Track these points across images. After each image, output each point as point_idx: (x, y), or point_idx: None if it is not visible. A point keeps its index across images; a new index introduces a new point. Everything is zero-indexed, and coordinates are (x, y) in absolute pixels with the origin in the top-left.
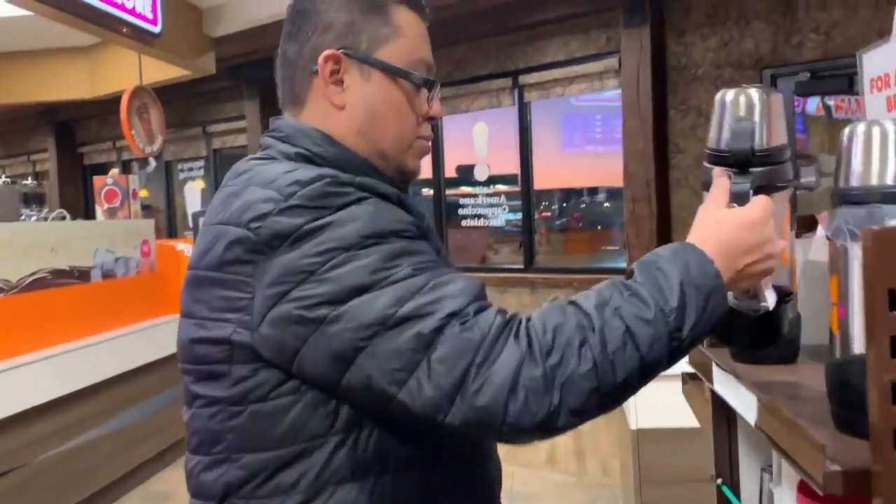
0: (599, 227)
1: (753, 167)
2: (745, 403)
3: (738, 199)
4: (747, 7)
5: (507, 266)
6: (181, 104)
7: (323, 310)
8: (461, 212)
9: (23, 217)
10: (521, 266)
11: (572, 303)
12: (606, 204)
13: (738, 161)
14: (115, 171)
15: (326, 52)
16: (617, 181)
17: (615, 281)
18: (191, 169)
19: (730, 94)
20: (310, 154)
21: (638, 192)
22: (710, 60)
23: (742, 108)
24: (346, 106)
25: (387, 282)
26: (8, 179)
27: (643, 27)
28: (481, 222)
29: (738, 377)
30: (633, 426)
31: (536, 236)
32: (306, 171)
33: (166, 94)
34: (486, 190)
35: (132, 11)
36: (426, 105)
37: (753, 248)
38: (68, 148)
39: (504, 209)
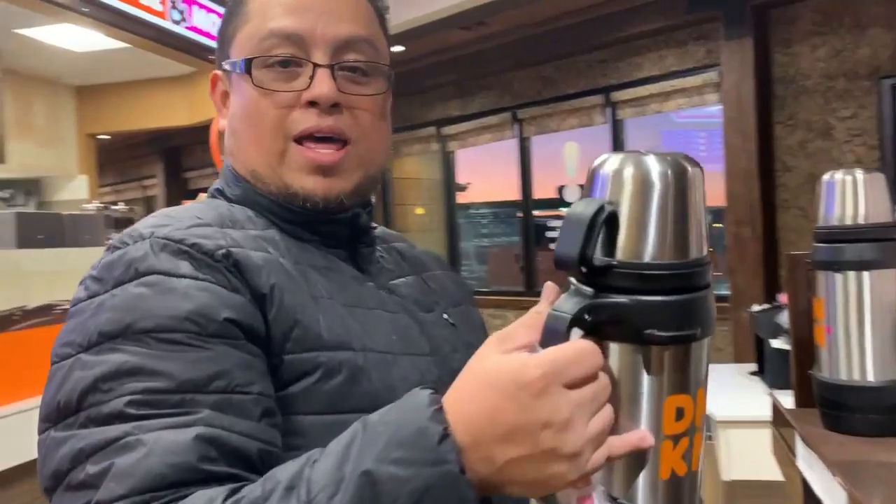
0: None
1: (602, 284)
2: (832, 495)
3: (550, 337)
4: (863, 12)
5: None
6: None
7: (41, 425)
8: (551, 234)
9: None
10: None
11: None
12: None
13: (580, 269)
14: (202, 195)
15: (212, 74)
16: (722, 202)
17: (311, 457)
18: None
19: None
20: (216, 191)
21: (741, 213)
22: (819, 71)
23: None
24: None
25: (87, 417)
26: (101, 204)
27: (745, 39)
28: None
29: (825, 458)
30: (725, 477)
31: None
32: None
33: None
34: None
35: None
36: (301, 88)
37: (515, 433)
38: (175, 173)
39: None
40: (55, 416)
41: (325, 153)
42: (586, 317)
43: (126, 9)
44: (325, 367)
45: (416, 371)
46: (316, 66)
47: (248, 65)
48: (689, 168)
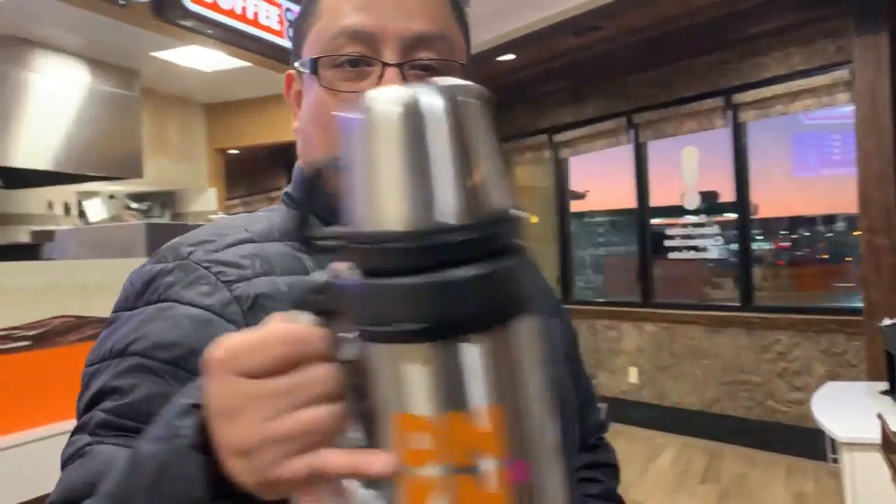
0: (832, 261)
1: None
2: None
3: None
4: None
5: (721, 304)
6: None
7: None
8: (669, 243)
9: None
10: (738, 304)
11: None
12: (837, 234)
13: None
14: None
15: (286, 74)
16: (855, 208)
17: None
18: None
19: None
20: (286, 195)
21: (875, 220)
22: None
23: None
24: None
25: (77, 425)
26: (225, 215)
27: (880, 34)
28: (693, 255)
29: None
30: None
31: (759, 270)
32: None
33: None
34: (695, 219)
35: None
36: (365, 89)
37: (208, 419)
38: None
39: (718, 240)
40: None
41: None
42: (321, 298)
43: (247, 29)
44: None
45: None
46: (385, 65)
47: (316, 64)
48: (432, 99)
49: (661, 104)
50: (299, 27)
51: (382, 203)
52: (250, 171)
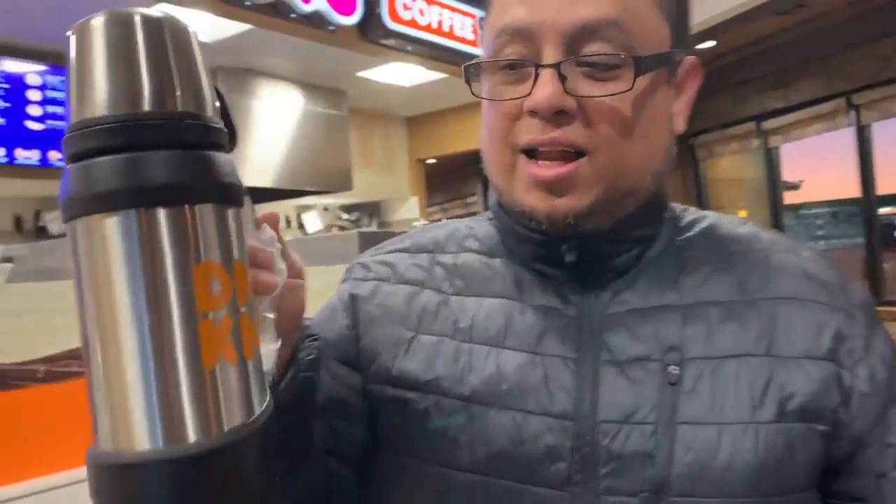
0: None
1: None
2: None
3: None
4: None
5: None
6: None
7: None
8: None
9: None
10: None
11: None
12: None
13: None
14: None
15: None
16: None
17: None
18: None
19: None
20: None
21: None
22: None
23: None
24: None
25: None
26: (426, 222)
27: None
28: None
29: None
30: None
31: None
32: None
33: None
34: None
35: None
36: (524, 94)
37: None
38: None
39: None
40: None
41: (547, 167)
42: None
43: (444, 42)
44: (391, 405)
45: (528, 430)
46: (538, 66)
47: (478, 69)
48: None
49: (885, 81)
50: (481, 23)
51: (90, 97)
52: (448, 179)
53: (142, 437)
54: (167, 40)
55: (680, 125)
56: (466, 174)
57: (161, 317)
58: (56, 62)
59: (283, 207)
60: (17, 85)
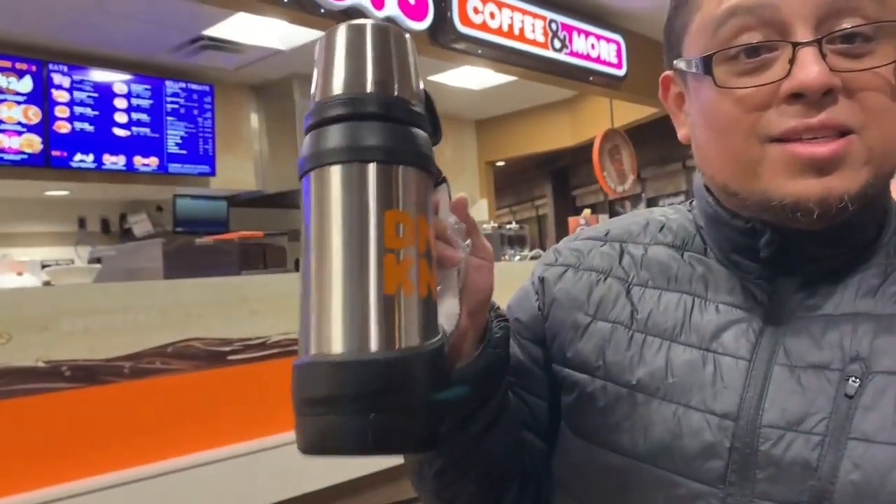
0: None
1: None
2: None
3: None
4: None
5: None
6: (660, 142)
7: None
8: None
9: (505, 257)
10: None
11: None
12: None
13: None
14: (587, 211)
15: (662, 76)
16: None
17: None
18: (671, 204)
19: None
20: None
21: None
22: None
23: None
24: (689, 137)
25: None
26: (495, 224)
27: None
28: None
29: None
30: None
31: None
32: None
33: (643, 133)
34: None
35: (598, 59)
36: (777, 78)
37: None
38: (563, 192)
39: None
40: None
41: (820, 143)
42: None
43: (514, 45)
44: (566, 384)
45: (689, 424)
46: (796, 45)
47: (706, 63)
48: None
49: None
50: (673, 24)
51: (330, 82)
52: (516, 182)
53: (337, 343)
54: (391, 43)
55: None
56: (535, 176)
57: (359, 245)
58: (141, 71)
59: None
60: (105, 94)
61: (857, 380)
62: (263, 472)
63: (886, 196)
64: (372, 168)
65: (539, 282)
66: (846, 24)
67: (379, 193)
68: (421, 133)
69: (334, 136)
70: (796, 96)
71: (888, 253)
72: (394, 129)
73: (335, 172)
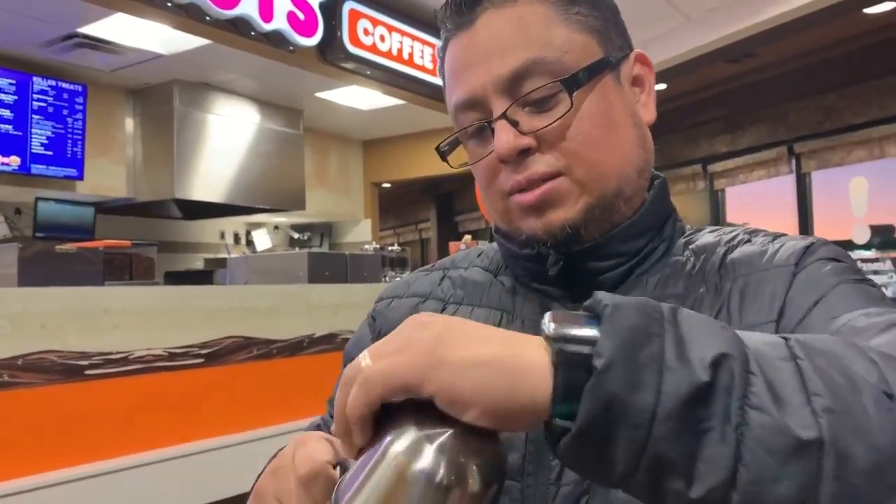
0: None
1: None
2: None
3: None
4: None
5: None
6: None
7: None
8: None
9: (386, 278)
10: None
11: None
12: None
13: None
14: (467, 237)
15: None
16: None
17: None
18: None
19: None
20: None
21: None
22: None
23: None
24: None
25: None
26: (377, 246)
27: None
28: None
29: None
30: None
31: None
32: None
33: None
34: (866, 254)
35: None
36: (491, 150)
37: None
38: (447, 217)
39: (893, 277)
40: None
41: (529, 192)
42: None
43: (403, 69)
44: None
45: None
46: (490, 122)
47: (454, 142)
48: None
49: (826, 132)
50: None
51: None
52: (401, 204)
53: None
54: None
55: (648, 115)
56: (420, 200)
57: None
58: (6, 65)
59: (233, 224)
60: None
61: None
62: (123, 494)
63: (663, 207)
64: None
65: (372, 319)
66: (527, 89)
67: None
68: None
69: None
70: (504, 161)
71: (672, 263)
72: None
73: None
